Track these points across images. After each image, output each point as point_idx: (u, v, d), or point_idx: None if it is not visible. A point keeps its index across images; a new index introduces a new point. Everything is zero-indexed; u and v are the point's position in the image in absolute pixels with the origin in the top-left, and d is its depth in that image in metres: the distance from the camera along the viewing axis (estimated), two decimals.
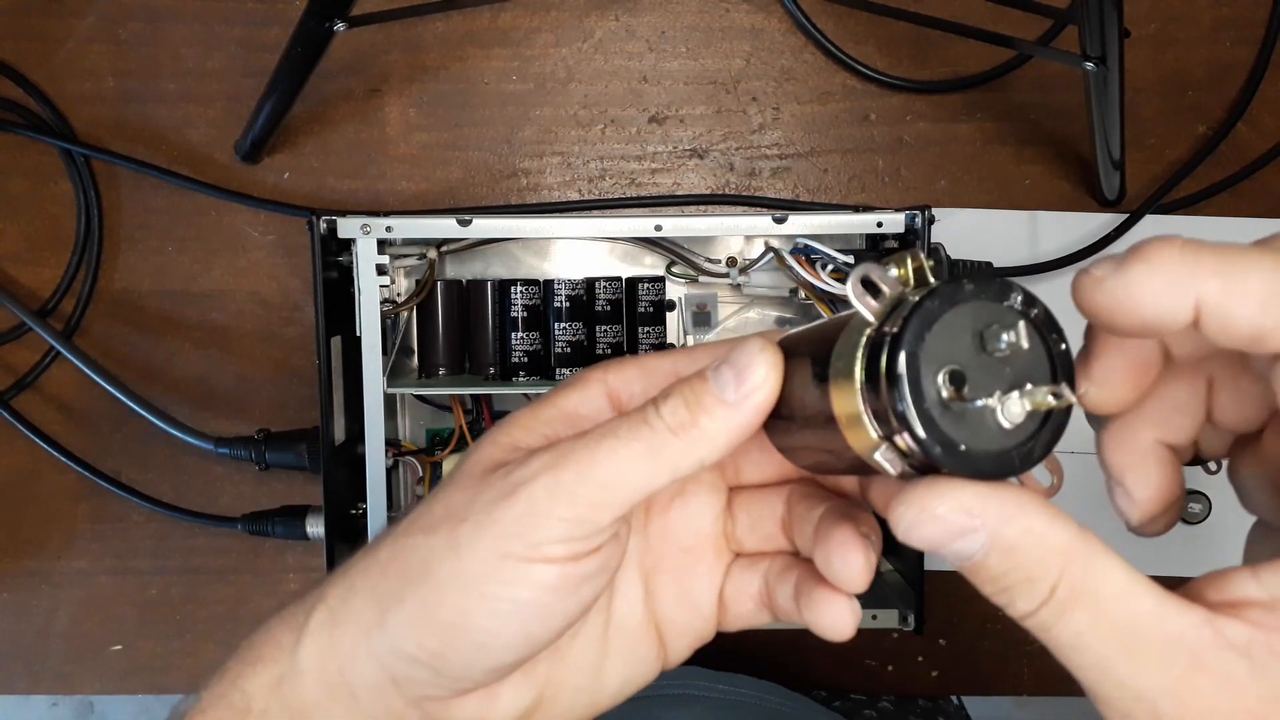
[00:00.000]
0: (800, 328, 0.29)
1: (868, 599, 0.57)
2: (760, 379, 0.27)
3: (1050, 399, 0.23)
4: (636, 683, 0.32)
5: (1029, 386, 0.23)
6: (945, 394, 0.23)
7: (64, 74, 0.64)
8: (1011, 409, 0.23)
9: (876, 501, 0.29)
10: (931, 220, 0.52)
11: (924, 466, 0.24)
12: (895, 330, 0.23)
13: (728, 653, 0.65)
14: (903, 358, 0.23)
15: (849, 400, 0.24)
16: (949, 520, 0.23)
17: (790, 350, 0.28)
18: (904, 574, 0.58)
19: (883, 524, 0.27)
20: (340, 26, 0.53)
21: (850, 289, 0.24)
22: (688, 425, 0.27)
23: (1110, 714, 0.23)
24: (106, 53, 0.64)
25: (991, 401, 0.23)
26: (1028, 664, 0.67)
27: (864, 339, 0.24)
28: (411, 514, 0.30)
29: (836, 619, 0.29)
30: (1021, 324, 0.24)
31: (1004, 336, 0.23)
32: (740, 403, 0.27)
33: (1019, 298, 0.24)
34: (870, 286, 0.24)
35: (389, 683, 0.28)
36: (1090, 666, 0.23)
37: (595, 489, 0.27)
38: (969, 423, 0.23)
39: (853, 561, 0.28)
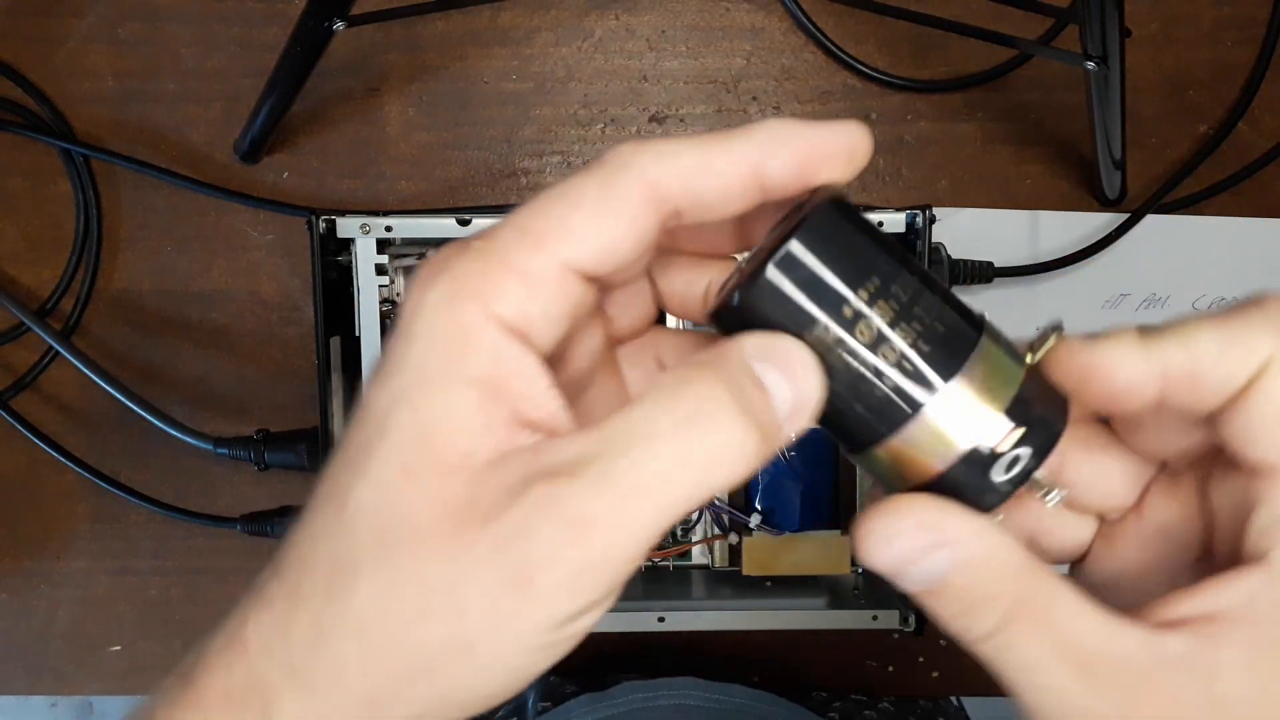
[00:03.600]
0: None
1: (868, 599, 0.57)
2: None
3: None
4: None
5: None
6: None
7: (64, 74, 0.64)
8: None
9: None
10: (932, 220, 0.51)
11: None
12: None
13: (727, 656, 0.65)
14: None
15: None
16: (916, 536, 0.23)
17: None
18: None
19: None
20: (340, 26, 0.53)
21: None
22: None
23: None
24: (106, 53, 0.64)
25: None
26: None
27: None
28: (377, 525, 0.23)
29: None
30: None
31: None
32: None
33: None
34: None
35: None
36: (1041, 688, 0.23)
37: (610, 564, 0.22)
38: None
39: None
